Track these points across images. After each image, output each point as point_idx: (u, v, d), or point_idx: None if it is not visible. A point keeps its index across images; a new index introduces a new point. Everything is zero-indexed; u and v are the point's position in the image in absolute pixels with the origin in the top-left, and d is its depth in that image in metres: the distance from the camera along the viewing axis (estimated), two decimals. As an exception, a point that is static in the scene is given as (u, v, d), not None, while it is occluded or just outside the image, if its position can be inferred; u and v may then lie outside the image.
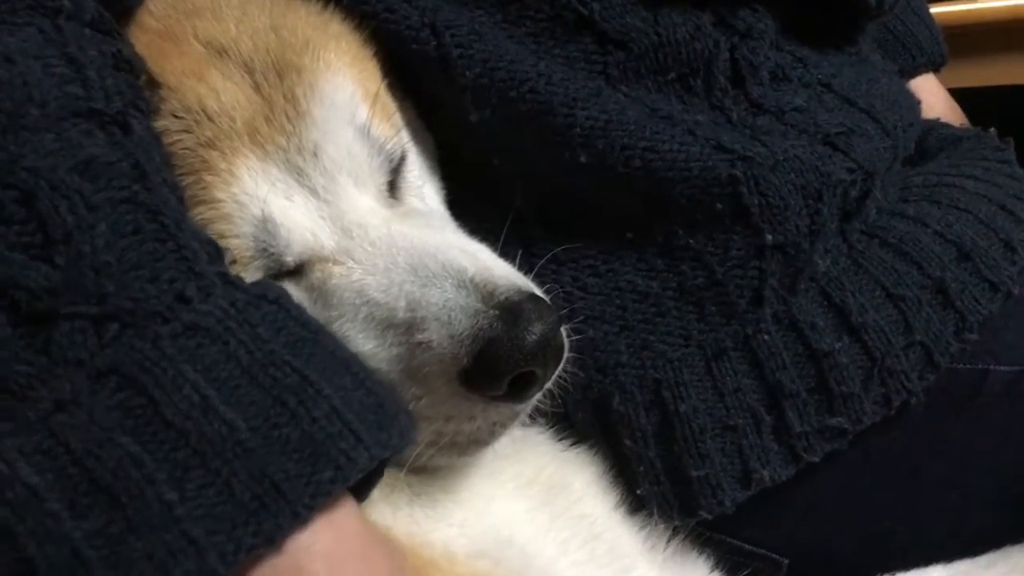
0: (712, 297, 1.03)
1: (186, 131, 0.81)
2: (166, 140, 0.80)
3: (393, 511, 0.84)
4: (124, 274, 0.66)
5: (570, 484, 0.97)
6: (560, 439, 1.03)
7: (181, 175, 0.80)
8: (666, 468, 1.04)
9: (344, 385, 0.69)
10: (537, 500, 0.92)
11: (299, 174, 0.84)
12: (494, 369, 0.79)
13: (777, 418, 1.04)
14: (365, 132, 0.88)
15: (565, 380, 0.95)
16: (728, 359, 1.04)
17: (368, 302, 0.83)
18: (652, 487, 1.04)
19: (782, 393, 1.04)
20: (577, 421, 1.04)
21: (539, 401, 0.92)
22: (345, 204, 0.86)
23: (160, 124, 0.80)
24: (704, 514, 1.04)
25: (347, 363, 0.71)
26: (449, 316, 0.80)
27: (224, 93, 0.83)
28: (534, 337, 0.79)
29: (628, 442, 1.03)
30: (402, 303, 0.82)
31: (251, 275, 0.83)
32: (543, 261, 1.03)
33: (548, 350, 0.81)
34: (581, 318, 1.03)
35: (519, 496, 0.91)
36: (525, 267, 1.02)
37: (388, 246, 0.84)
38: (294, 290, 0.85)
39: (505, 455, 0.94)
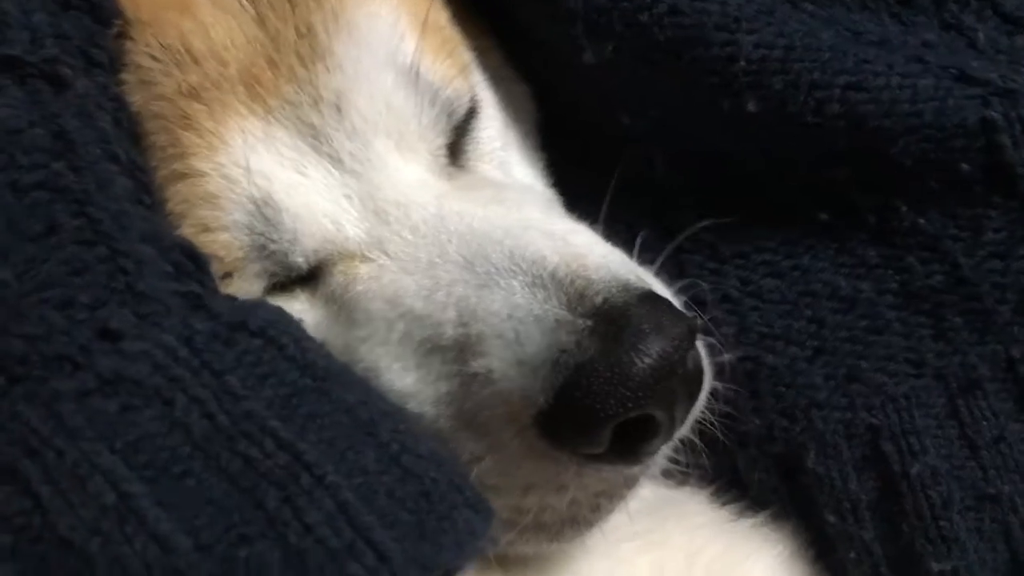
0: (956, 303, 0.71)
1: (164, 75, 0.58)
2: (139, 90, 0.58)
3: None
4: (21, 298, 0.44)
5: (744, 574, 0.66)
6: (725, 505, 0.72)
7: (155, 136, 0.58)
8: (891, 557, 0.72)
9: (363, 466, 0.45)
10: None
11: (316, 137, 0.60)
12: (587, 414, 0.51)
13: (1065, 482, 0.69)
14: (412, 76, 0.62)
15: (711, 423, 0.66)
16: (983, 394, 0.71)
17: (405, 314, 0.57)
18: (870, 582, 0.72)
19: (1071, 444, 0.69)
20: (752, 483, 0.73)
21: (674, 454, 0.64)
22: (381, 177, 0.60)
23: (131, 69, 0.58)
24: (951, 625, 0.71)
25: (373, 427, 0.47)
26: (516, 331, 0.52)
27: (215, 28, 0.60)
28: (649, 361, 0.51)
29: (831, 517, 0.72)
30: (451, 314, 0.56)
31: (247, 285, 0.59)
32: (696, 256, 0.73)
33: (673, 380, 0.52)
34: (755, 338, 0.71)
35: None
36: (673, 267, 0.73)
37: (436, 232, 0.58)
38: (308, 305, 0.60)
39: (637, 532, 0.65)
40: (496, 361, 0.53)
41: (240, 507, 0.41)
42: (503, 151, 0.70)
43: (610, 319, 0.52)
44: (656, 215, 0.74)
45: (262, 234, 0.58)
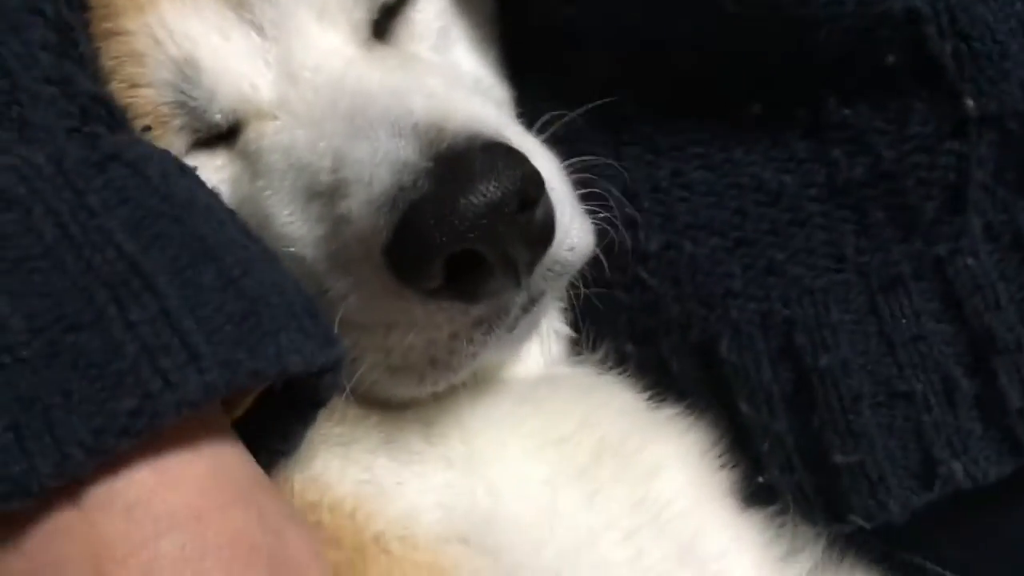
0: (880, 198, 0.70)
1: None
2: None
3: (343, 463, 0.61)
4: None
5: (640, 451, 0.68)
6: (643, 393, 0.74)
7: None
8: (801, 448, 0.72)
9: (198, 282, 0.49)
10: (570, 465, 0.64)
11: (241, 6, 0.65)
12: (416, 246, 0.55)
13: (984, 384, 0.69)
14: None
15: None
16: (906, 292, 0.70)
17: (294, 164, 0.62)
18: (782, 474, 0.73)
19: (994, 347, 0.69)
20: (674, 371, 0.75)
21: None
22: (298, 44, 0.65)
23: None
24: (858, 520, 0.71)
25: (219, 252, 0.51)
26: (371, 174, 0.57)
27: None
28: (474, 199, 0.54)
29: (745, 407, 0.73)
30: (327, 162, 0.60)
31: (172, 138, 0.65)
32: (634, 148, 0.75)
33: (500, 221, 0.54)
34: (680, 227, 0.73)
35: (540, 457, 0.64)
36: (614, 157, 0.75)
37: (332, 92, 0.63)
38: (227, 160, 0.66)
39: (530, 399, 0.68)
40: (354, 202, 0.58)
41: (73, 302, 0.46)
42: (441, 35, 0.73)
43: (447, 162, 0.56)
44: (604, 111, 0.76)
45: (183, 92, 0.64)
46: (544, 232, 0.59)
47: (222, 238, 0.52)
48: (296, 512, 0.54)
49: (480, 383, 0.69)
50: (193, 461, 0.49)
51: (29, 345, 0.45)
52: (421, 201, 0.55)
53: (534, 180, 0.57)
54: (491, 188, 0.54)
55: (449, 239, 0.54)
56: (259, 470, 0.53)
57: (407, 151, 0.57)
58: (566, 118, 0.69)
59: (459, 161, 0.56)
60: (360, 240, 0.58)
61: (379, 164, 0.57)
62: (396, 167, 0.56)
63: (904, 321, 0.70)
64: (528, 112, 0.76)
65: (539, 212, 0.57)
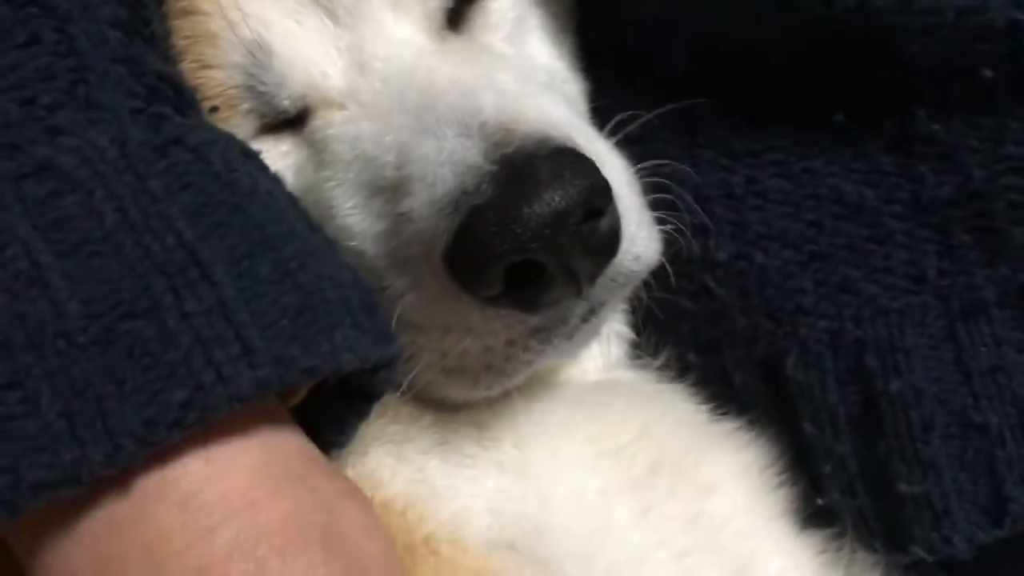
0: (966, 219, 0.67)
1: None
2: None
3: (396, 462, 0.60)
4: None
5: (698, 467, 0.66)
6: (703, 405, 0.72)
7: None
8: (865, 473, 0.70)
9: (255, 274, 0.49)
10: (625, 477, 0.63)
11: None
12: (476, 253, 0.53)
13: (1064, 421, 0.65)
14: None
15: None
16: (987, 319, 0.67)
17: (359, 156, 0.61)
18: (843, 498, 0.71)
19: (1077, 383, 0.65)
20: (736, 384, 0.72)
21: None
22: (370, 32, 0.64)
23: None
24: (919, 552, 0.68)
25: (277, 243, 0.50)
26: (435, 174, 0.55)
27: None
28: (538, 207, 0.52)
29: (808, 426, 0.70)
30: (391, 157, 0.59)
31: (239, 121, 0.64)
32: (709, 151, 0.72)
33: (563, 231, 0.53)
34: (752, 237, 0.70)
35: (595, 467, 0.63)
36: (687, 161, 0.72)
37: (402, 84, 0.61)
38: (293, 147, 0.65)
39: (587, 404, 0.66)
40: (416, 201, 0.56)
41: (131, 289, 0.46)
42: (516, 25, 0.71)
43: (513, 167, 0.54)
44: (680, 114, 0.74)
45: (253, 75, 0.63)
46: (609, 243, 0.57)
47: (281, 228, 0.51)
48: (354, 488, 0.53)
49: (535, 386, 0.68)
50: (245, 448, 0.48)
51: (85, 331, 0.45)
52: (484, 207, 0.53)
53: (601, 190, 0.55)
54: (556, 197, 0.52)
55: (510, 248, 0.52)
56: (314, 449, 0.52)
57: (472, 152, 0.55)
58: (641, 119, 0.67)
59: (525, 167, 0.54)
60: (420, 241, 0.56)
61: (443, 164, 0.55)
62: (460, 168, 0.55)
63: (983, 349, 0.67)
64: (602, 107, 0.74)
65: (604, 223, 0.55)
